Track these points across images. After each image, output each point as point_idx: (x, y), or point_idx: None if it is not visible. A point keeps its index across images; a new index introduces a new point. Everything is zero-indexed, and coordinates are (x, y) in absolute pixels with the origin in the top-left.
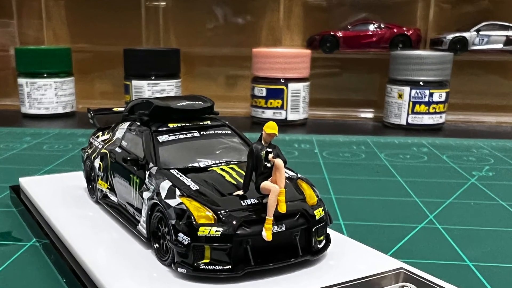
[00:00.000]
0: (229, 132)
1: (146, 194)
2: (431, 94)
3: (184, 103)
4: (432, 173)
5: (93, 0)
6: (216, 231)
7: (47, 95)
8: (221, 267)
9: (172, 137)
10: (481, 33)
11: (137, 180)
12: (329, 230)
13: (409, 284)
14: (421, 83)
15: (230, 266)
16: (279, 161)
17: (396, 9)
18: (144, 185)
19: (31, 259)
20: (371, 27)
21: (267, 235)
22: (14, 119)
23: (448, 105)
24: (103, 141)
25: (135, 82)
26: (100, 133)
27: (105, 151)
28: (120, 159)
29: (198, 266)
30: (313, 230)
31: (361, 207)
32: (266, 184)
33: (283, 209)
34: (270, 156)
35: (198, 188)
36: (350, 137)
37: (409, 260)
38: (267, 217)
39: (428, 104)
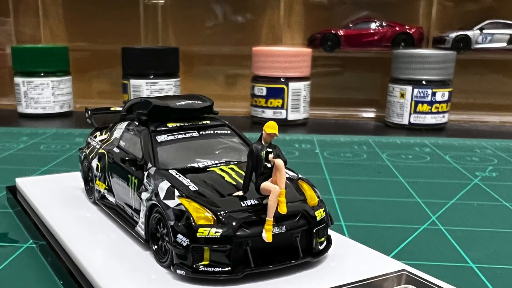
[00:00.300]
0: (229, 132)
1: (145, 195)
2: (433, 94)
3: (183, 103)
4: (435, 174)
5: None
6: (216, 232)
7: (44, 94)
8: (220, 269)
9: (170, 137)
10: (484, 31)
11: (135, 181)
12: (330, 232)
13: (411, 286)
14: (423, 82)
15: (229, 268)
16: (279, 162)
17: (398, 7)
18: (143, 186)
19: (27, 261)
20: (373, 26)
21: (267, 236)
22: (10, 119)
23: (451, 105)
24: (101, 141)
25: (133, 81)
26: (98, 133)
27: (103, 151)
28: (118, 160)
29: (197, 268)
30: (314, 231)
31: (363, 208)
32: (266, 184)
33: (283, 210)
34: (270, 156)
35: (197, 188)
36: (351, 137)
37: (411, 262)
38: (267, 218)
39: (430, 103)
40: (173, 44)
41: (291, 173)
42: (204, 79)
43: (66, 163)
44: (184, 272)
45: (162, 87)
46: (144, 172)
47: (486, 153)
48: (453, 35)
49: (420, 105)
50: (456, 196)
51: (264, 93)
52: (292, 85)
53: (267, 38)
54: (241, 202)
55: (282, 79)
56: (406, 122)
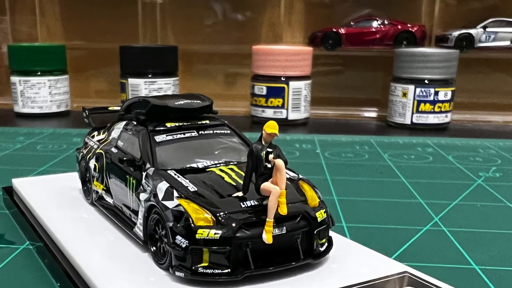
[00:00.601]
0: (228, 131)
1: (143, 196)
2: (436, 93)
3: (182, 102)
4: (438, 174)
5: None
6: (215, 233)
7: (41, 93)
8: (220, 271)
9: (169, 137)
10: (488, 29)
11: (134, 181)
12: (331, 233)
13: None
14: (426, 81)
15: (229, 270)
16: (279, 162)
17: (400, 5)
18: (141, 187)
19: (24, 263)
20: (375, 24)
21: (267, 237)
22: (7, 119)
23: (454, 104)
24: (98, 141)
25: (131, 80)
26: (96, 133)
27: (101, 151)
28: (116, 160)
29: (196, 270)
30: (315, 232)
31: (364, 209)
32: (266, 185)
33: (284, 211)
34: (271, 156)
35: (196, 189)
36: (353, 137)
37: (413, 264)
38: (267, 219)
39: (433, 103)
40: (172, 42)
41: (292, 174)
42: (204, 78)
43: (63, 164)
44: (183, 274)
45: (161, 86)
46: (143, 173)
47: (489, 153)
48: (456, 33)
49: (422, 104)
50: (459, 197)
51: (264, 92)
52: (293, 84)
53: (267, 37)
54: (241, 203)
55: (282, 78)
56: (408, 121)
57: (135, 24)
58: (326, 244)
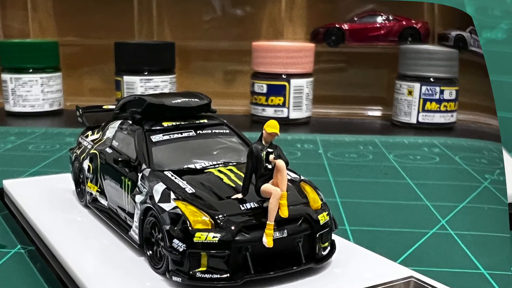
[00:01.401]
0: (227, 131)
1: (139, 198)
2: (441, 91)
3: (179, 101)
4: (444, 175)
5: None
6: (214, 237)
7: (33, 91)
8: (218, 276)
9: (166, 137)
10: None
11: (129, 183)
12: (334, 236)
13: None
14: (431, 79)
15: (228, 275)
16: (280, 163)
17: (404, 1)
18: (137, 188)
19: (15, 267)
20: (379, 19)
21: (268, 241)
22: None
23: (459, 104)
24: (92, 141)
25: (126, 78)
26: (90, 133)
27: (95, 151)
28: (110, 160)
29: (194, 275)
30: (317, 236)
31: (368, 212)
32: (266, 187)
33: (285, 213)
34: (271, 157)
35: (194, 191)
36: (356, 137)
37: (419, 268)
38: (267, 222)
39: (439, 101)
40: (169, 38)
41: (293, 175)
42: (202, 75)
43: (56, 164)
44: (180, 279)
45: (157, 84)
46: (138, 174)
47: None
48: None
49: (428, 103)
50: (466, 199)
51: (265, 90)
52: (294, 82)
53: (268, 33)
54: (240, 205)
55: (283, 76)
56: (414, 121)
57: (131, 20)
58: (328, 247)
